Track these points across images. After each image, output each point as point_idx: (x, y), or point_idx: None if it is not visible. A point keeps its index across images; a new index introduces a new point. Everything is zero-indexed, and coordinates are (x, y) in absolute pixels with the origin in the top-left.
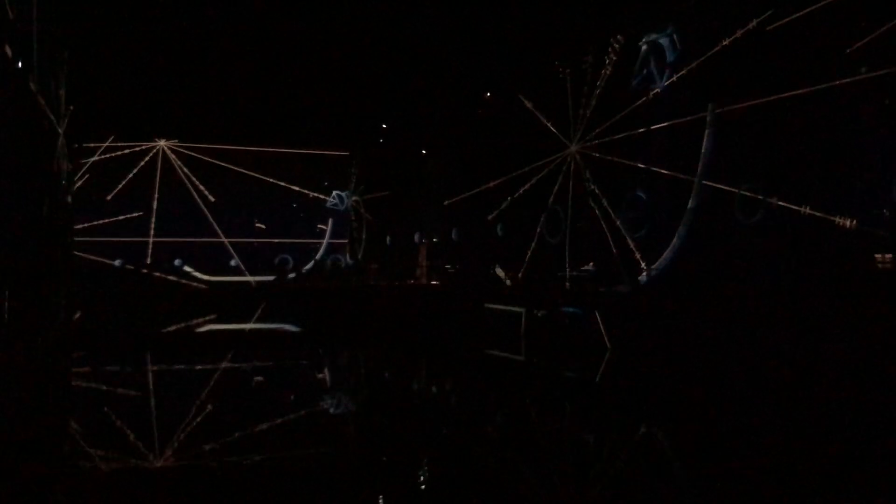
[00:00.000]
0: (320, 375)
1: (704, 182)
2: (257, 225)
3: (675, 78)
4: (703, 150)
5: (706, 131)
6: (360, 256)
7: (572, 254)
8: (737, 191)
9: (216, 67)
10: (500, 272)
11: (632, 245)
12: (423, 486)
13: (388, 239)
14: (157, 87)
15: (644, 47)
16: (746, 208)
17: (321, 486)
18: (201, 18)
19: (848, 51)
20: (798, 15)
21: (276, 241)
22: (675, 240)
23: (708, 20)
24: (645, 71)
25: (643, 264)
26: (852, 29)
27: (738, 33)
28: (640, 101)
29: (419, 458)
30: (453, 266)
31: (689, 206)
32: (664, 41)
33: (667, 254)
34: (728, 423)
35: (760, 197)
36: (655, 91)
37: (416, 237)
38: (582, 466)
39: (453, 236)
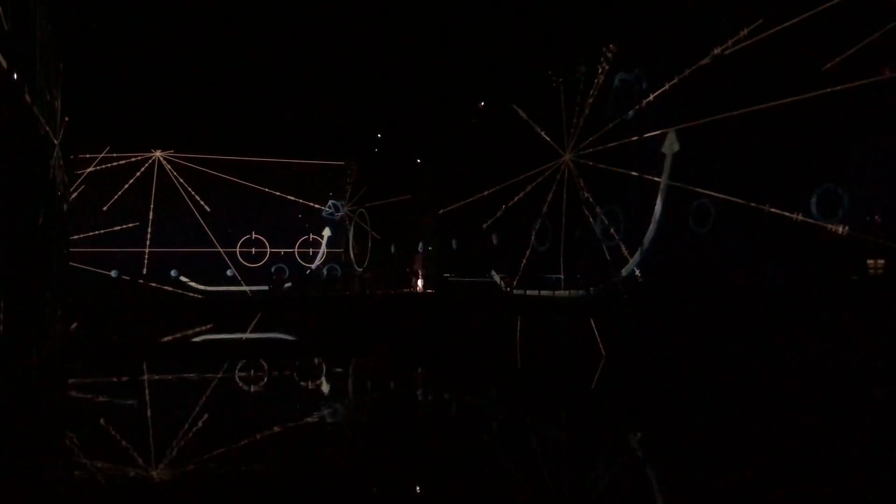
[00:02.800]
0: (316, 385)
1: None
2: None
3: (667, 87)
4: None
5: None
6: (364, 267)
7: (567, 260)
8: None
9: (212, 78)
10: (496, 277)
11: (625, 252)
12: (418, 495)
13: (392, 248)
14: (153, 98)
15: (616, 83)
16: (701, 217)
17: (320, 496)
18: (197, 29)
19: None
20: (797, 20)
21: (273, 250)
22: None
23: (701, 28)
24: (617, 103)
25: (637, 271)
26: (846, 34)
27: (729, 42)
28: (631, 112)
29: (416, 468)
30: (452, 274)
31: (657, 211)
32: (633, 78)
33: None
34: (724, 427)
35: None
36: (648, 100)
37: (420, 246)
38: (579, 473)
39: (453, 245)
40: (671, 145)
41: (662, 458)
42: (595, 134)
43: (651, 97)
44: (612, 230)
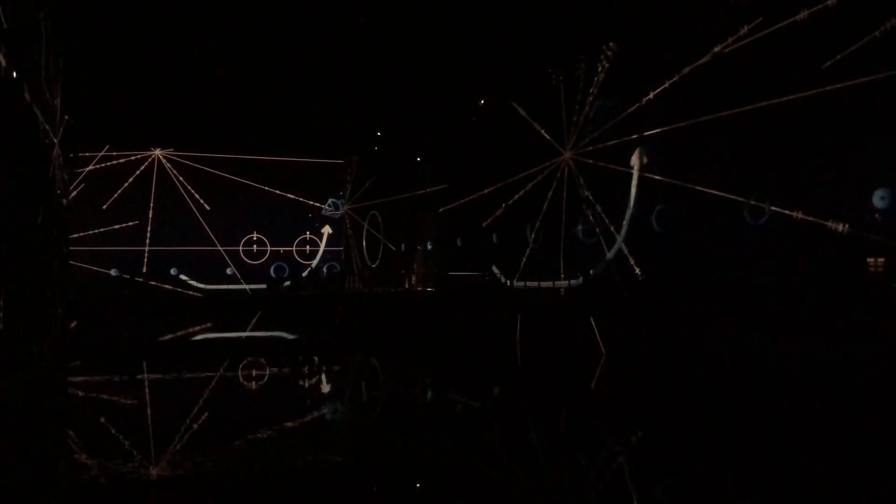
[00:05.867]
0: (317, 384)
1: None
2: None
3: (667, 84)
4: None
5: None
6: (376, 265)
7: (567, 257)
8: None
9: (211, 76)
10: (496, 271)
11: (625, 251)
12: (420, 494)
13: (402, 246)
14: (153, 97)
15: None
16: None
17: (322, 495)
18: (197, 27)
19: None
20: (795, 18)
21: (273, 248)
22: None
23: (704, 25)
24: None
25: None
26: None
27: (730, 39)
28: (632, 108)
29: (418, 467)
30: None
31: (627, 216)
32: (610, 104)
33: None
34: (726, 426)
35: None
36: (648, 97)
37: (429, 245)
38: (579, 475)
39: (458, 243)
40: (639, 159)
41: (662, 457)
42: (595, 132)
43: (651, 95)
44: (611, 228)
